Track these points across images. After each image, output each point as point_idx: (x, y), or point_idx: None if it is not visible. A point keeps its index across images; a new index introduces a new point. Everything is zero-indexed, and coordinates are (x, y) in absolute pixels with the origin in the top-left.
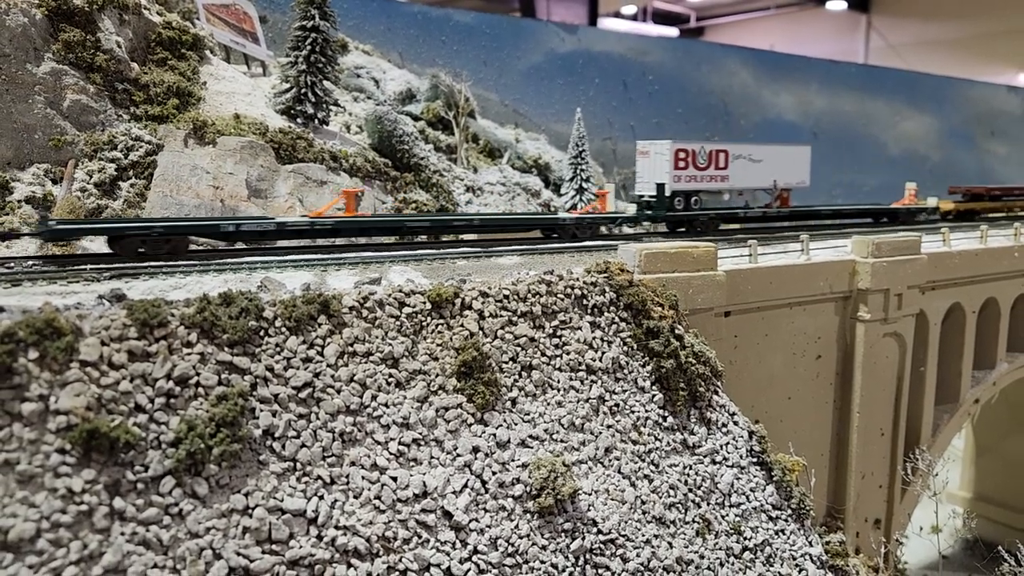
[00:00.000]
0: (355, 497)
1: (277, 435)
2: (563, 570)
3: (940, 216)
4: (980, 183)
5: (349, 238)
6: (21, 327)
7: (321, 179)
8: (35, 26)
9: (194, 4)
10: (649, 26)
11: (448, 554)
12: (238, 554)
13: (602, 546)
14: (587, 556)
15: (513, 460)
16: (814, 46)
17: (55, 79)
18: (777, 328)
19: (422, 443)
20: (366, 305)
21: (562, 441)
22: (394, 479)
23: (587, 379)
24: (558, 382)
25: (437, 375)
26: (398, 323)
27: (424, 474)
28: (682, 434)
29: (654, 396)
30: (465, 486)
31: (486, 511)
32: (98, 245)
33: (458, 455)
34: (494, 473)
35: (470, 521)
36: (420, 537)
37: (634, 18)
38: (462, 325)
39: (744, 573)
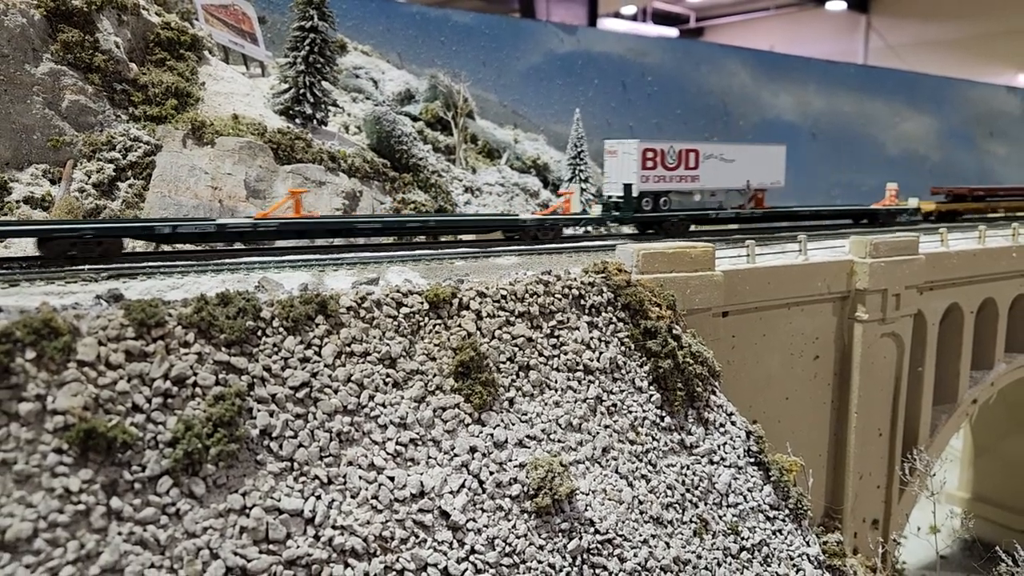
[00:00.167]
0: (352, 497)
1: (274, 435)
2: (560, 570)
3: (922, 217)
4: (980, 183)
5: (293, 240)
6: (19, 327)
7: (320, 180)
8: (34, 26)
9: (193, 5)
10: (649, 26)
11: (445, 554)
12: (235, 554)
13: (599, 546)
14: (584, 556)
15: (510, 460)
16: (814, 46)
17: (53, 79)
18: (775, 328)
19: (419, 443)
20: (364, 305)
21: (559, 441)
22: (391, 479)
23: (584, 379)
24: (555, 382)
25: (434, 375)
26: (396, 323)
27: (421, 474)
28: (679, 434)
29: (652, 396)
30: (462, 486)
31: (483, 511)
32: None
33: (455, 455)
34: (491, 473)
35: (467, 521)
36: (417, 537)
37: (634, 18)
38: (460, 325)
39: (741, 573)
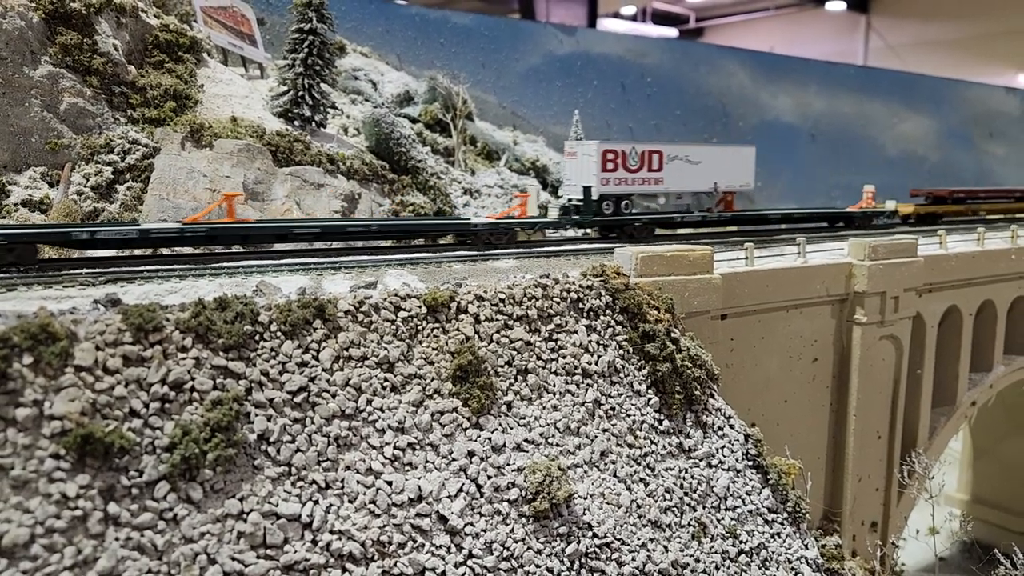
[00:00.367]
0: (350, 501)
1: (272, 440)
2: (558, 574)
3: (900, 220)
4: (979, 184)
5: (226, 246)
6: (16, 332)
7: (318, 182)
8: (32, 29)
9: (191, 7)
10: (648, 27)
11: (443, 558)
12: (232, 559)
13: (597, 550)
14: (582, 560)
15: (508, 464)
16: (813, 47)
17: (52, 82)
18: (773, 331)
19: (417, 447)
20: (362, 309)
21: (557, 445)
22: (389, 483)
23: (583, 383)
24: (554, 386)
25: (432, 379)
26: (393, 327)
27: (419, 478)
28: (678, 438)
29: (650, 400)
30: (460, 490)
31: (481, 515)
32: None
33: (453, 459)
34: (489, 477)
35: (465, 525)
36: (415, 541)
37: (633, 19)
38: (458, 329)
39: None
